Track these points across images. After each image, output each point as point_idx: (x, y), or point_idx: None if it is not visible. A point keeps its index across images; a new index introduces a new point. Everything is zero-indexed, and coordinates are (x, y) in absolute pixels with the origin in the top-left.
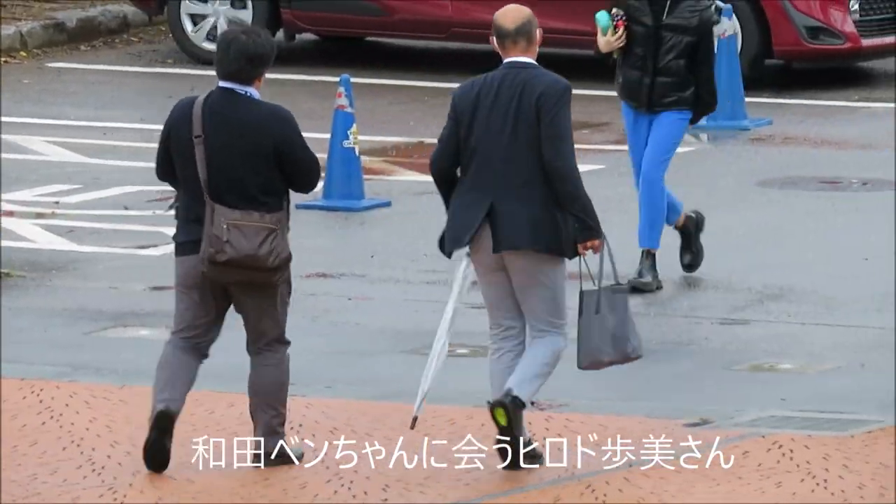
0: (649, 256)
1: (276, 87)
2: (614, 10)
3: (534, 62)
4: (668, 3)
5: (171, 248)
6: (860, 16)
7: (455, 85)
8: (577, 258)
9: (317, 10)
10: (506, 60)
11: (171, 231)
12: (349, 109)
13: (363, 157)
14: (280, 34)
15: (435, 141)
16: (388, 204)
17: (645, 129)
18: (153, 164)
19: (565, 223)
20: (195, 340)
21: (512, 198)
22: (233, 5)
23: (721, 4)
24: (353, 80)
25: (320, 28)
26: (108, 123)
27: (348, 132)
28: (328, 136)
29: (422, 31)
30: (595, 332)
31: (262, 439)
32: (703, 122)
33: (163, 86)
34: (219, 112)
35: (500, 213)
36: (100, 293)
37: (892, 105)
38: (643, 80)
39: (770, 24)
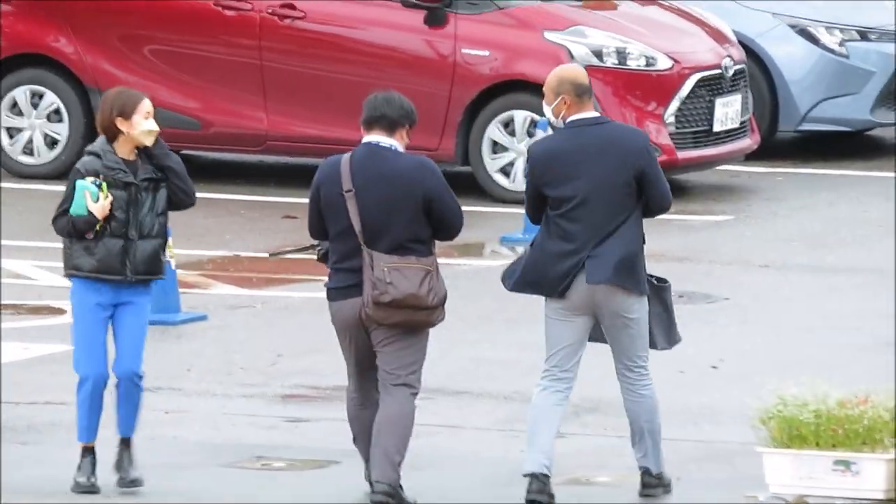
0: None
1: None
2: None
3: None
4: None
5: None
6: (676, 128)
7: (271, 199)
8: None
9: None
10: (587, 115)
11: None
12: None
13: (179, 271)
14: None
15: (251, 255)
16: (204, 317)
17: None
18: None
19: (643, 263)
20: (365, 385)
21: (606, 242)
22: (49, 119)
23: (537, 118)
24: None
25: None
26: None
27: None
28: None
29: (238, 145)
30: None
31: (377, 471)
32: (519, 234)
33: None
34: (367, 166)
35: (594, 256)
36: None
37: (708, 217)
38: None
39: None
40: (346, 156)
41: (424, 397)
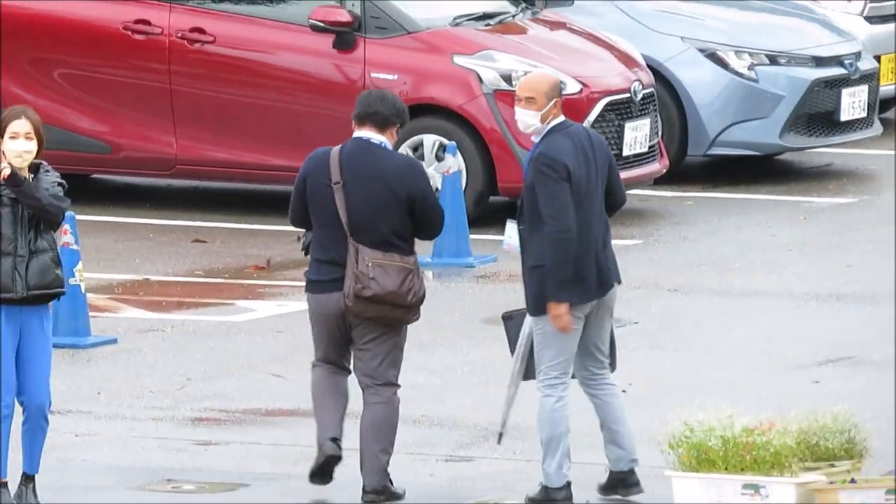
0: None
1: None
2: None
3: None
4: None
5: None
6: None
7: (180, 223)
8: None
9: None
10: (563, 119)
11: None
12: (74, 246)
13: (89, 294)
14: None
15: (161, 279)
16: (114, 341)
17: None
18: None
19: None
20: (336, 362)
21: (605, 239)
22: None
23: (446, 142)
24: (78, 217)
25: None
26: None
27: (73, 269)
28: None
29: (147, 168)
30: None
31: (367, 476)
32: (427, 258)
33: None
34: (357, 161)
35: (607, 255)
36: None
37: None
38: None
39: (495, 161)
40: (336, 148)
41: None
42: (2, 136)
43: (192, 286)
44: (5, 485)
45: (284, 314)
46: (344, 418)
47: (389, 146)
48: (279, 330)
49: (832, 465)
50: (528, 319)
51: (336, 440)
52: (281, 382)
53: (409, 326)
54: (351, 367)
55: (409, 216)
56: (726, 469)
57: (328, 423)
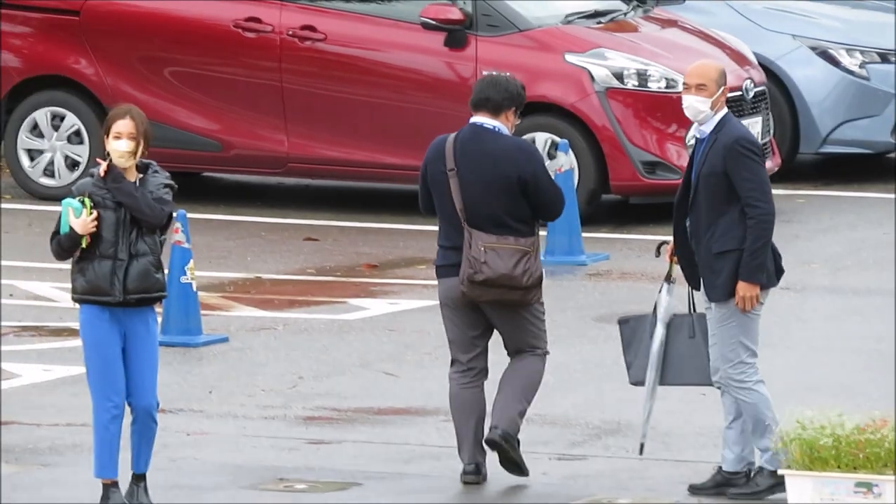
0: None
1: None
2: None
3: None
4: None
5: (12, 384)
6: None
7: (292, 221)
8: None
9: (154, 145)
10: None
11: (14, 367)
12: (186, 245)
13: (200, 293)
14: None
15: (272, 276)
16: (225, 339)
17: None
18: None
19: None
20: (467, 363)
21: None
22: (69, 141)
23: (557, 139)
24: (189, 215)
25: (158, 163)
26: None
27: (185, 268)
28: (166, 271)
29: (258, 167)
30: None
31: (499, 419)
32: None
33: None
34: (469, 146)
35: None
36: None
37: None
38: None
39: (607, 159)
40: (453, 135)
41: (447, 419)
42: (108, 136)
43: (303, 284)
44: (115, 484)
45: (397, 312)
46: (482, 432)
47: (505, 130)
48: (391, 328)
49: None
50: (659, 327)
51: (476, 469)
52: (393, 381)
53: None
54: (480, 364)
55: (523, 198)
56: (838, 467)
57: (466, 448)
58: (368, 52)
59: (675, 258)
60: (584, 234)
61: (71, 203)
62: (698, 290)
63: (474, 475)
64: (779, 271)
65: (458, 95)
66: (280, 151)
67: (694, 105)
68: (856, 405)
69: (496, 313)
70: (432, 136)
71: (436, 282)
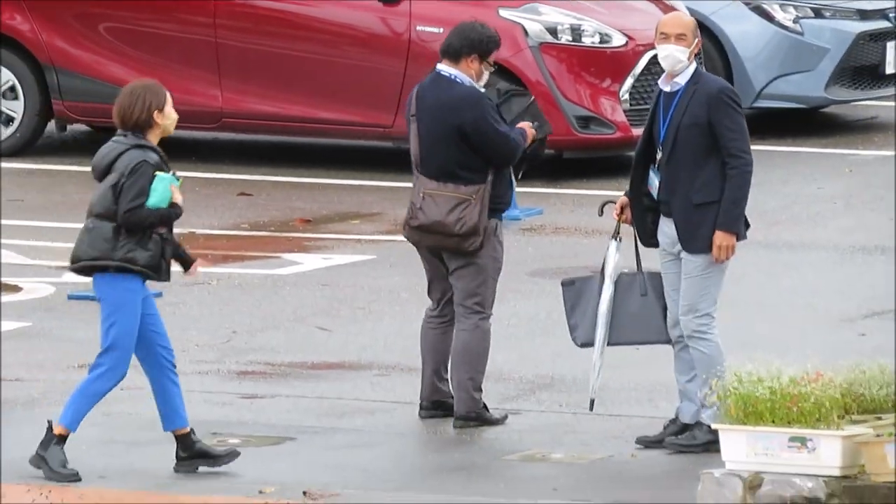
0: None
1: (48, 177)
2: None
3: None
4: None
5: None
6: (630, 105)
7: (226, 177)
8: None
9: (88, 100)
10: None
11: None
12: None
13: None
14: (51, 125)
15: (206, 232)
16: (159, 294)
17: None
18: None
19: None
20: (440, 311)
21: None
22: (4, 97)
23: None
24: None
25: (92, 119)
26: None
27: None
28: None
29: (193, 122)
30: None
31: (457, 402)
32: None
33: None
34: (426, 94)
35: None
36: None
37: None
38: None
39: None
40: (420, 83)
41: (380, 374)
42: (160, 111)
43: (237, 239)
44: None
45: (330, 267)
46: (438, 374)
47: (463, 78)
48: (325, 283)
49: (879, 419)
50: (608, 284)
51: (430, 406)
52: (326, 336)
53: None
54: (449, 310)
55: (470, 148)
56: (773, 422)
57: (424, 386)
58: (303, 8)
59: (623, 215)
60: (519, 189)
61: (172, 179)
62: (649, 246)
63: (427, 411)
64: (746, 225)
65: (392, 51)
66: (214, 106)
67: (674, 54)
68: (791, 360)
69: (452, 262)
70: (366, 92)
71: (368, 237)
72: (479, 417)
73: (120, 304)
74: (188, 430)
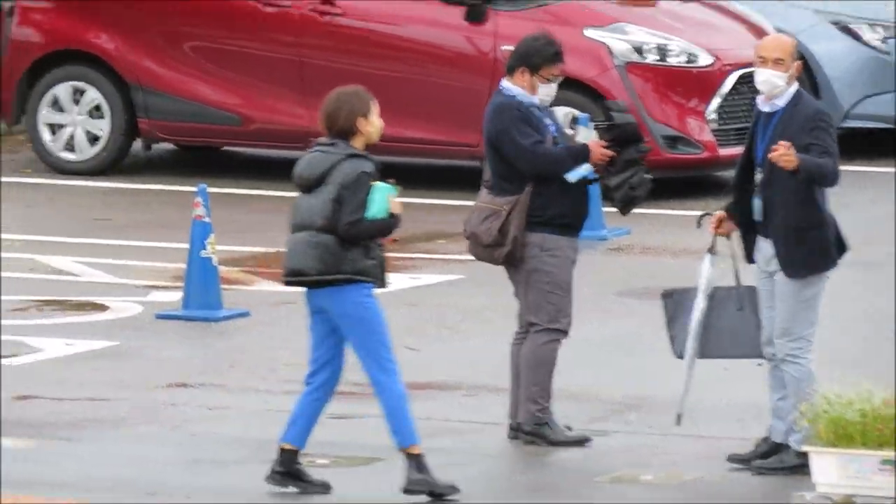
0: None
1: (134, 196)
2: None
3: None
4: None
5: (34, 358)
6: (718, 125)
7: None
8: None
9: (174, 119)
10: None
11: (35, 341)
12: (206, 219)
13: (221, 267)
14: (137, 144)
15: None
16: (246, 314)
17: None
18: (13, 274)
19: None
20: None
21: None
22: (90, 115)
23: (578, 114)
24: (210, 189)
25: (178, 137)
26: None
27: (206, 242)
28: (186, 245)
29: (278, 141)
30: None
31: (519, 412)
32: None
33: (21, 195)
34: (488, 108)
35: None
36: None
37: None
38: None
39: None
40: None
41: (468, 394)
42: (366, 118)
43: None
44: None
45: (418, 287)
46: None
47: (513, 90)
48: (413, 303)
49: None
50: (700, 298)
51: (516, 426)
52: (415, 355)
53: None
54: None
55: (500, 157)
56: (864, 444)
57: (511, 404)
58: (387, 27)
59: (721, 229)
60: (606, 209)
61: (390, 189)
62: (752, 262)
63: (516, 431)
64: (841, 249)
65: (477, 70)
66: (299, 126)
67: (771, 80)
68: (879, 382)
69: (515, 278)
70: (451, 111)
71: (455, 256)
72: (532, 433)
73: (360, 317)
74: (298, 449)
